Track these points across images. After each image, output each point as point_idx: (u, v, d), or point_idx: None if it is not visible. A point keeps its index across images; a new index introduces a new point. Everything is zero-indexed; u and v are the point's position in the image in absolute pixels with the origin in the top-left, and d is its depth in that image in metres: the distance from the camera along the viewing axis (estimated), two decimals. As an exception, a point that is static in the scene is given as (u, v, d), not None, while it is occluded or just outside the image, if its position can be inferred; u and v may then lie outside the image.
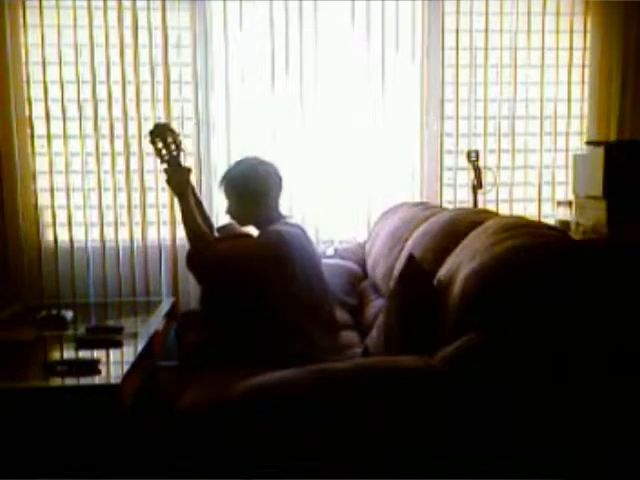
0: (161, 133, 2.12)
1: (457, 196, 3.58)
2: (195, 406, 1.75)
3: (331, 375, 1.62)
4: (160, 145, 2.12)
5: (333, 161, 3.52)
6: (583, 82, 3.55)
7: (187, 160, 2.27)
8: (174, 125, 3.36)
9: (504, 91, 3.55)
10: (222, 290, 2.25)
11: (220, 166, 3.36)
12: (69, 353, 2.27)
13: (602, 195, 2.84)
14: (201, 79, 3.40)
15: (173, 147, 2.12)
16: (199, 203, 2.38)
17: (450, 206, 3.45)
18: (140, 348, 2.23)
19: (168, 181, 2.16)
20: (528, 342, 1.55)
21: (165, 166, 2.14)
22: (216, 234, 2.41)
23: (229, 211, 2.30)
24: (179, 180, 2.14)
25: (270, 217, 2.28)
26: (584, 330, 1.56)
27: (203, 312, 2.38)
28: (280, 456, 1.53)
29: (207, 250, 2.14)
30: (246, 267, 2.14)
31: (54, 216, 3.40)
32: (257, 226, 2.30)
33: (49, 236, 3.42)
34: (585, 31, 3.52)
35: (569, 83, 3.56)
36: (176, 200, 2.21)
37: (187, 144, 2.23)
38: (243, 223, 2.34)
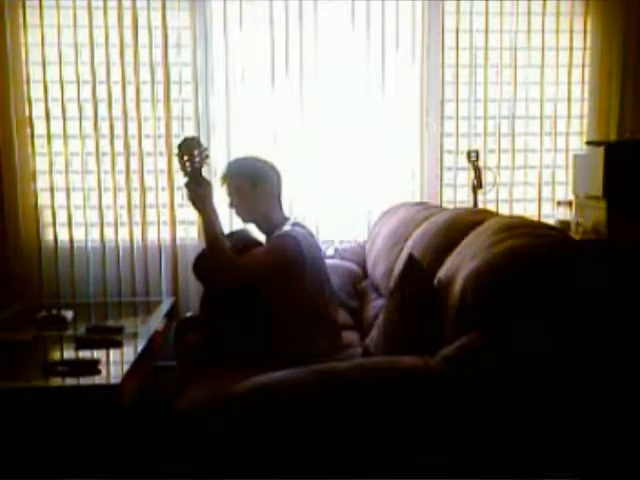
0: (188, 147, 2.12)
1: (457, 196, 3.57)
2: (195, 406, 1.75)
3: (331, 375, 1.63)
4: (185, 158, 2.12)
5: (333, 161, 3.51)
6: (583, 82, 3.55)
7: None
8: (174, 126, 3.39)
9: (504, 91, 3.54)
10: (225, 292, 2.26)
11: (220, 166, 3.34)
12: (69, 353, 2.27)
13: (602, 195, 2.84)
14: (201, 79, 3.40)
15: (197, 160, 2.12)
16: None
17: (450, 206, 3.44)
18: (140, 348, 2.23)
19: (189, 195, 2.15)
20: (528, 342, 1.55)
21: (186, 180, 2.14)
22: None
23: (231, 205, 2.33)
24: (199, 194, 2.14)
25: (274, 217, 2.30)
26: (584, 330, 1.56)
27: (204, 313, 2.38)
28: (280, 456, 1.53)
29: (226, 264, 2.14)
30: (264, 276, 2.18)
31: (54, 216, 3.39)
32: (260, 223, 2.33)
33: (49, 236, 3.41)
34: (585, 31, 3.52)
35: (569, 83, 3.55)
36: (197, 214, 2.20)
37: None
38: (246, 218, 2.35)
